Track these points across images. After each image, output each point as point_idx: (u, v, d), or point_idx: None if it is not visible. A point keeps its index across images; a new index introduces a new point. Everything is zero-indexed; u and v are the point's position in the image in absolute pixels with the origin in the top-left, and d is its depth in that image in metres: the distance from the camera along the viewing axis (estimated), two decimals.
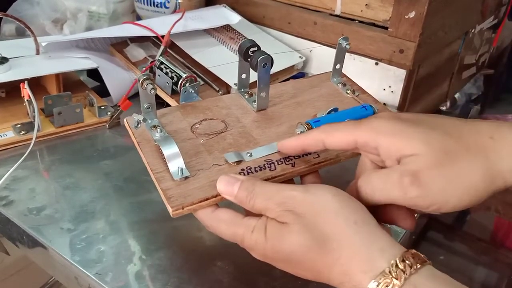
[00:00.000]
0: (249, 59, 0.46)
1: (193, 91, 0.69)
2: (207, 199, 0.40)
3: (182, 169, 0.41)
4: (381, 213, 0.39)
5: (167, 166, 0.42)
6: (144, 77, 0.43)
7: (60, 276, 0.51)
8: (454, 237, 1.14)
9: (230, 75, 0.72)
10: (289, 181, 0.44)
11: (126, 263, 0.47)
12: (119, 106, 0.66)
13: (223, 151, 0.44)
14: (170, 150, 0.41)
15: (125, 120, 0.47)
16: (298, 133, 0.45)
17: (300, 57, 0.84)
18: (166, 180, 0.41)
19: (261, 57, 0.45)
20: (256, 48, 0.46)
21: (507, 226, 1.14)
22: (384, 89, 0.78)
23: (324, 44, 0.82)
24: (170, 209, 0.39)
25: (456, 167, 0.34)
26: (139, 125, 0.45)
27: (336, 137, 0.39)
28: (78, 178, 0.58)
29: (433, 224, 1.12)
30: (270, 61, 0.45)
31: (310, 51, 0.85)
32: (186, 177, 0.41)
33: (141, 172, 0.59)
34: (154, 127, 0.45)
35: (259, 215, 0.38)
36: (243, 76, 0.50)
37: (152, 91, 0.43)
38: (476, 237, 1.15)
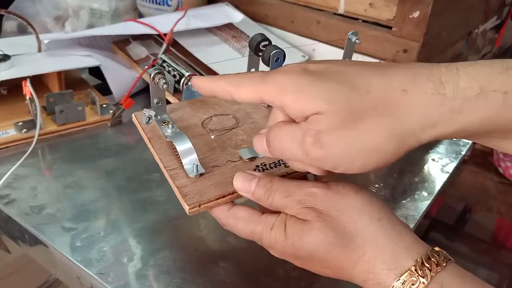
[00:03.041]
0: (260, 54, 0.46)
1: (195, 90, 0.68)
2: (223, 196, 0.39)
3: (197, 165, 0.40)
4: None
5: (181, 162, 0.41)
6: (156, 71, 0.42)
7: (62, 275, 0.50)
8: (455, 238, 1.14)
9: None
10: (303, 177, 0.43)
11: (128, 262, 0.46)
12: (121, 104, 0.66)
13: (236, 147, 0.44)
14: (184, 146, 0.41)
15: (133, 115, 0.46)
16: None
17: (302, 56, 0.83)
18: (180, 177, 0.40)
19: (273, 51, 0.44)
20: (267, 42, 0.45)
21: (508, 227, 1.13)
22: None
23: (327, 43, 0.82)
24: (186, 207, 0.39)
25: (360, 128, 0.31)
26: (150, 120, 0.44)
27: (242, 92, 0.35)
28: (80, 177, 0.58)
29: (435, 225, 1.12)
30: (282, 55, 0.45)
31: (313, 50, 0.84)
32: (201, 174, 0.41)
33: (143, 171, 0.59)
34: (165, 122, 0.45)
35: (277, 212, 0.37)
36: (253, 70, 0.50)
37: (165, 85, 0.42)
38: (477, 237, 1.15)
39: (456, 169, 0.65)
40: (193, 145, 0.41)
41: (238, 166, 0.42)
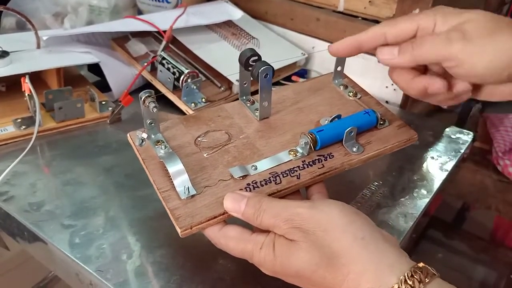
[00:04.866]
0: (250, 69, 0.46)
1: (194, 87, 0.68)
2: (215, 217, 0.40)
3: (188, 187, 0.41)
4: (416, 83, 0.43)
5: (173, 183, 0.41)
6: (146, 95, 0.43)
7: (61, 272, 0.50)
8: (454, 236, 1.14)
9: (232, 71, 0.72)
10: (295, 192, 0.44)
11: (127, 259, 0.46)
12: (120, 101, 0.66)
13: (228, 165, 0.44)
14: (175, 167, 0.41)
15: (128, 136, 0.47)
16: (302, 143, 0.45)
17: (302, 53, 0.83)
18: (173, 199, 0.41)
19: (262, 68, 0.44)
20: (256, 58, 0.45)
21: (506, 225, 1.14)
22: (386, 87, 0.78)
23: (327, 41, 0.82)
24: (178, 230, 0.39)
25: (499, 37, 0.38)
26: (144, 142, 0.45)
27: (399, 27, 0.42)
28: (79, 174, 0.58)
29: (433, 222, 1.12)
30: (271, 71, 0.45)
31: (313, 47, 0.84)
32: (193, 195, 0.41)
33: (142, 168, 0.59)
34: (158, 142, 0.45)
35: (267, 231, 0.38)
36: (244, 84, 0.50)
37: (155, 109, 0.43)
38: (475, 235, 1.15)
39: (455, 167, 0.65)
40: (184, 165, 0.41)
41: (229, 185, 0.43)
